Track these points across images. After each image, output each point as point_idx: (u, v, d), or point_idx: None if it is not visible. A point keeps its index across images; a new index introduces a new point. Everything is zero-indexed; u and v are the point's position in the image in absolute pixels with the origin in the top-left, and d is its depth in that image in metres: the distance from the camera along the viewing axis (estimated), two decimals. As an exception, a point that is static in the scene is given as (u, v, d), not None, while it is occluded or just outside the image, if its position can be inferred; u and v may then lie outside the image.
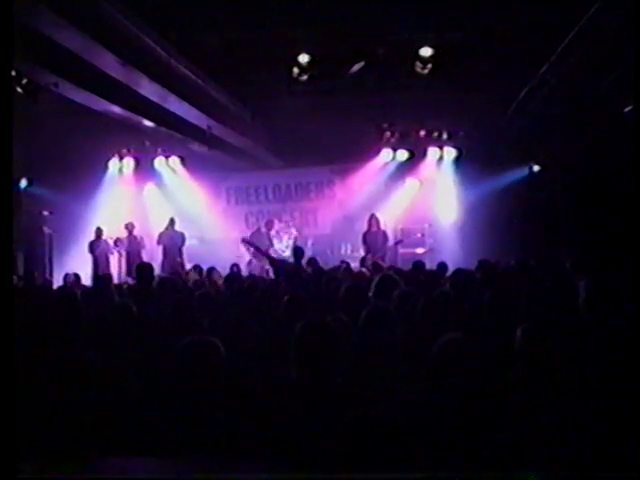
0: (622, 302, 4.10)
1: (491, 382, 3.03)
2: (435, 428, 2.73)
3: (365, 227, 13.09)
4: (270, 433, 2.81)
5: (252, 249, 12.65)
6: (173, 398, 3.07)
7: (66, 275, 10.83)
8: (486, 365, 3.08)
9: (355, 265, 10.96)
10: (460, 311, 4.71)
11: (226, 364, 3.16)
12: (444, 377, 2.99)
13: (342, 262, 10.28)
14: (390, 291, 4.86)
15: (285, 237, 14.10)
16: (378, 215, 13.14)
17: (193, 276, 9.66)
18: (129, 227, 13.88)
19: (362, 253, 12.88)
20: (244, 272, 11.85)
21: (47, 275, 13.19)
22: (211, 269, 9.71)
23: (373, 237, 12.87)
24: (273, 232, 14.10)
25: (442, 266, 8.39)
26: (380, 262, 10.77)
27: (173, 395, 3.10)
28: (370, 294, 5.14)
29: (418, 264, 8.26)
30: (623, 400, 2.96)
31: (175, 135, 12.13)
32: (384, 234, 13.07)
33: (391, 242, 13.24)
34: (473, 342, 3.08)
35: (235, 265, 11.27)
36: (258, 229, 14.15)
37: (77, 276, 10.31)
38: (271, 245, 13.69)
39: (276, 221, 14.57)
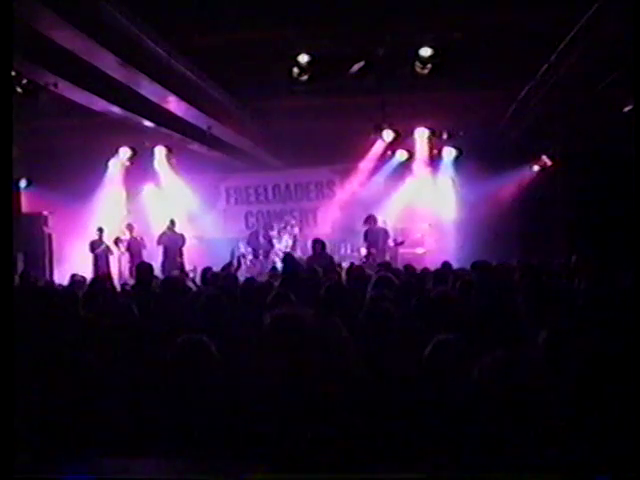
0: (622, 301, 4.10)
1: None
2: (433, 428, 2.73)
3: (365, 226, 13.22)
4: (267, 432, 2.81)
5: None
6: (172, 398, 3.08)
7: (73, 275, 10.85)
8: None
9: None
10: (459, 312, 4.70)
11: (218, 362, 3.16)
12: (436, 378, 2.99)
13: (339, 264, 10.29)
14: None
15: (285, 237, 14.08)
16: (376, 215, 13.34)
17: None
18: (129, 228, 13.90)
19: (363, 252, 13.01)
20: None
21: (47, 275, 13.19)
22: None
23: (374, 234, 13.01)
24: (274, 233, 14.09)
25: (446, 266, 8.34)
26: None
27: (172, 395, 3.10)
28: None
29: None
30: (624, 400, 2.96)
31: (175, 135, 12.12)
32: (385, 232, 13.18)
33: (391, 241, 13.31)
34: (466, 343, 3.07)
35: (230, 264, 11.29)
36: (255, 231, 14.13)
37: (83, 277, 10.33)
38: (272, 247, 13.70)
39: (275, 224, 14.58)
